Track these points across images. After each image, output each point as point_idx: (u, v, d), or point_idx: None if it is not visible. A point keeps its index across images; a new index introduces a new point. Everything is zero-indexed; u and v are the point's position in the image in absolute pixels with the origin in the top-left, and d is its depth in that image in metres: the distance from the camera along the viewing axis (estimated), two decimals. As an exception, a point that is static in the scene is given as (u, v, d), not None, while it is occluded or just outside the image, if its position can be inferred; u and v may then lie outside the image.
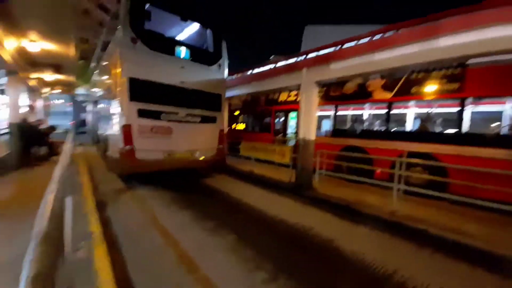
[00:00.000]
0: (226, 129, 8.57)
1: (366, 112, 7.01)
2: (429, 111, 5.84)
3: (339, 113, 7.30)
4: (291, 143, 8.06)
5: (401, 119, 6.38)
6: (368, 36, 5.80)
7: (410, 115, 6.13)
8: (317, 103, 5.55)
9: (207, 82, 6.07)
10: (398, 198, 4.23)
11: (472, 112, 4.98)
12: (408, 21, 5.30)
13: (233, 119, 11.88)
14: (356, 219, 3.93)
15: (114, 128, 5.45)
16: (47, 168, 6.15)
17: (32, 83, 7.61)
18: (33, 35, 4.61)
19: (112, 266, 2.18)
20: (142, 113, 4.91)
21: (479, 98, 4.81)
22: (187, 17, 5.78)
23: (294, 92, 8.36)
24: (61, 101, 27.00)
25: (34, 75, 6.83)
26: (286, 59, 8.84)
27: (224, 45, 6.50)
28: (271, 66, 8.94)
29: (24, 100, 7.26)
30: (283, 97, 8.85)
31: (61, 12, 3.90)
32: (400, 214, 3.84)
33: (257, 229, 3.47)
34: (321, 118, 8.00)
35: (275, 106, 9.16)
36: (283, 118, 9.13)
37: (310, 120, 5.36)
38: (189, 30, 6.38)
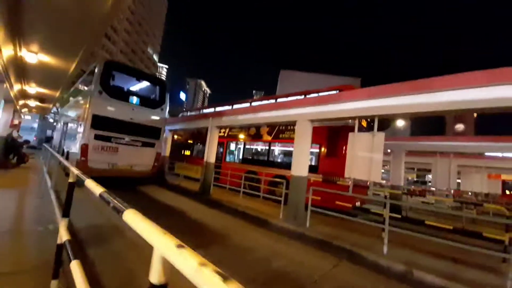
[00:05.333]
0: (168, 153, 11.39)
1: (260, 147, 10.37)
2: (288, 150, 9.30)
3: (246, 147, 10.61)
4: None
5: (276, 153, 9.79)
6: (241, 104, 9.58)
7: (279, 151, 9.56)
8: (217, 139, 8.74)
9: (151, 120, 9.02)
10: (258, 201, 7.22)
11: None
12: (254, 99, 9.17)
13: (185, 147, 14.68)
14: (216, 207, 6.82)
15: (75, 145, 8.00)
16: (20, 170, 8.34)
17: (18, 107, 9.89)
18: (33, 84, 7.29)
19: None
20: (97, 137, 7.61)
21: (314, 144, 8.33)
22: (140, 78, 9.01)
23: (223, 129, 11.63)
24: (29, 117, 27.94)
25: (21, 102, 9.19)
26: (220, 106, 12.35)
27: (167, 96, 9.69)
28: (197, 112, 12.45)
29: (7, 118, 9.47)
30: (220, 133, 12.06)
31: (60, 76, 6.71)
32: (242, 206, 6.79)
33: (153, 207, 6.17)
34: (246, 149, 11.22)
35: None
36: (221, 148, 12.20)
37: (212, 149, 8.46)
38: (143, 85, 9.53)
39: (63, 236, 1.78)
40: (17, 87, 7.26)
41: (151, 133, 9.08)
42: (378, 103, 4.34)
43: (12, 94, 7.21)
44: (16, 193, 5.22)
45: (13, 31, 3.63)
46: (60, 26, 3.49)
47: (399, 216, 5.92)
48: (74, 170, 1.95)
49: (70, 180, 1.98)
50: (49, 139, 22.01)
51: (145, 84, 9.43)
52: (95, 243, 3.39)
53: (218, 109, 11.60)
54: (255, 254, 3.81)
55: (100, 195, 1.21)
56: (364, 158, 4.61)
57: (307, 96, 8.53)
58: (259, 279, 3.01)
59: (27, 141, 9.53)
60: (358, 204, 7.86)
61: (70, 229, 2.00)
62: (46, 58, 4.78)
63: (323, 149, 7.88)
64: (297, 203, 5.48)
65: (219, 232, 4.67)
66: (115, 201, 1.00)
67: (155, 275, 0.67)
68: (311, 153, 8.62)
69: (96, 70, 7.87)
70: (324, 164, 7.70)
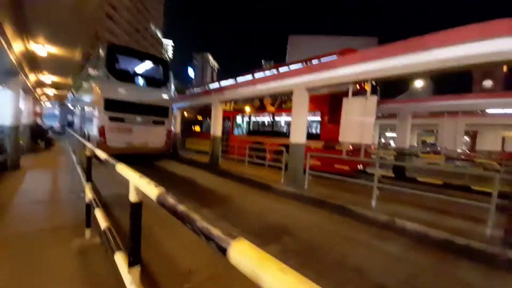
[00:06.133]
0: (178, 130, 11.97)
1: (264, 119, 10.60)
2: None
3: (252, 119, 10.89)
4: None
5: (279, 123, 9.98)
6: (244, 76, 9.59)
7: (283, 121, 9.76)
8: (222, 113, 9.07)
9: (157, 99, 9.43)
10: (264, 170, 7.73)
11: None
12: (255, 71, 9.13)
13: (195, 123, 15.22)
14: (224, 176, 7.42)
15: (94, 127, 8.70)
16: (49, 153, 9.32)
17: (38, 96, 10.67)
18: (46, 73, 7.80)
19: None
20: (112, 119, 8.21)
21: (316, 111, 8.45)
22: (143, 59, 9.23)
23: (229, 104, 11.87)
24: (49, 105, 29.65)
25: (40, 91, 9.90)
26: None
27: (170, 74, 9.93)
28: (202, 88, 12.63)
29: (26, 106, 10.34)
30: (226, 107, 12.32)
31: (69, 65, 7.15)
32: (248, 173, 7.33)
33: (168, 178, 6.86)
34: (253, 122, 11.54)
35: (217, 114, 12.63)
36: (228, 122, 12.56)
37: (217, 123, 8.86)
38: (147, 65, 9.77)
39: (89, 195, 2.30)
40: (32, 77, 7.82)
41: (160, 111, 9.54)
42: (372, 67, 4.35)
43: (29, 84, 7.82)
44: (50, 172, 6.06)
45: (20, 27, 3.96)
46: (59, 17, 3.76)
47: (393, 175, 6.18)
48: (89, 147, 2.41)
49: (88, 154, 2.46)
50: (70, 124, 23.50)
51: (148, 64, 9.66)
52: (116, 204, 4.06)
53: (223, 83, 11.70)
54: (254, 211, 4.35)
55: (105, 159, 1.63)
56: (357, 122, 4.78)
57: (308, 63, 8.42)
58: (254, 228, 3.55)
59: (51, 127, 10.46)
60: (361, 167, 8.13)
61: (97, 193, 2.53)
62: (52, 49, 5.14)
63: (325, 116, 8.00)
64: (296, 168, 5.88)
65: (225, 195, 5.26)
66: (112, 160, 1.40)
67: (133, 197, 1.07)
68: (314, 121, 8.78)
69: (101, 55, 8.19)
70: (325, 131, 7.89)
